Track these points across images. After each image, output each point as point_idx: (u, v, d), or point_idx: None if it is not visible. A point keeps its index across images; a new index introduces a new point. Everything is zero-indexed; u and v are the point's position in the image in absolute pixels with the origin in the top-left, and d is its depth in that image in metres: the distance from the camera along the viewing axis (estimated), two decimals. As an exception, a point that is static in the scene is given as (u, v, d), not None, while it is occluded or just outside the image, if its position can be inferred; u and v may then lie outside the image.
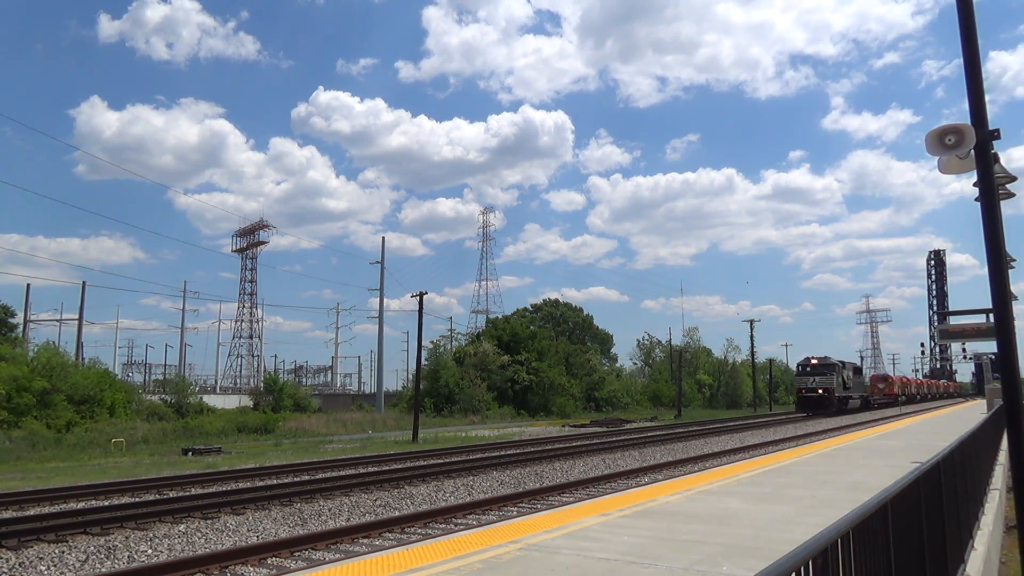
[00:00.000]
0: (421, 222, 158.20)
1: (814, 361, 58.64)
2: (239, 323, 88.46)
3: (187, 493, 16.46)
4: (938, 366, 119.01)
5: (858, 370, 68.87)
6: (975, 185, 7.32)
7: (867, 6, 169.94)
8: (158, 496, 16.00)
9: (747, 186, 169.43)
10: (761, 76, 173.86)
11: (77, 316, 59.07)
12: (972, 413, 32.40)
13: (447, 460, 22.82)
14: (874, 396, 73.97)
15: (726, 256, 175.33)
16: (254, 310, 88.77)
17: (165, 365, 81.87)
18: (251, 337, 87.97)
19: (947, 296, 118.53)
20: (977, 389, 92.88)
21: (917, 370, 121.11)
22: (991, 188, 6.97)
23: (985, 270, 7.06)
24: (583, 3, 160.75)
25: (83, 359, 54.44)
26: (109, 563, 10.11)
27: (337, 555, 10.18)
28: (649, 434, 35.00)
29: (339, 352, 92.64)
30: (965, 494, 7.23)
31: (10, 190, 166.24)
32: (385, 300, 59.77)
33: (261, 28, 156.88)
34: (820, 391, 56.10)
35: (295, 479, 18.76)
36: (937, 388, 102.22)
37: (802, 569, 2.31)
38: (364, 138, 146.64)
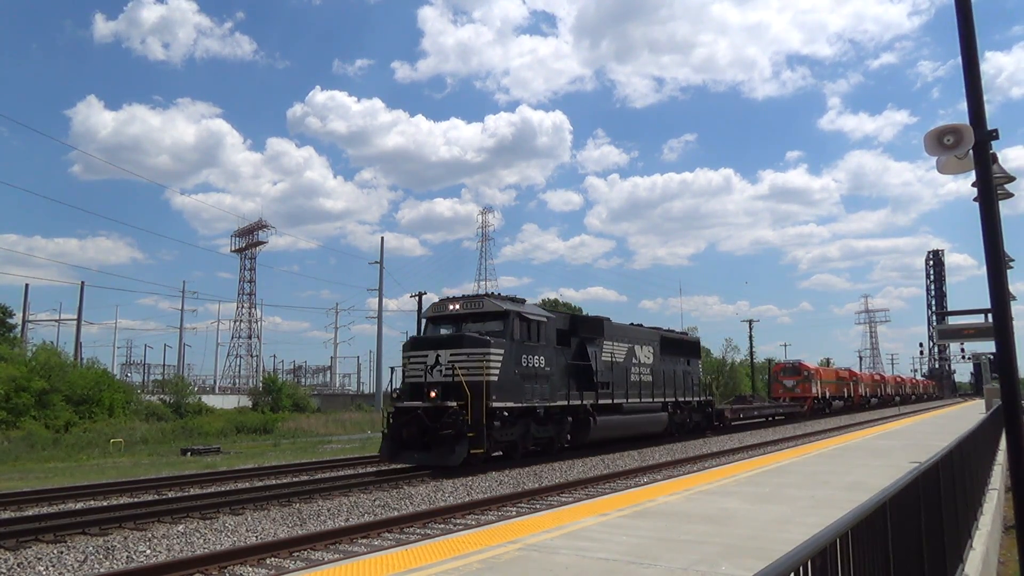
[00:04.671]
0: (419, 222, 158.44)
1: (452, 307, 21.09)
2: (238, 323, 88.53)
3: (186, 493, 16.44)
4: (936, 366, 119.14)
5: (681, 344, 31.83)
6: (973, 185, 7.33)
7: (863, 7, 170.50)
8: (157, 496, 15.97)
9: (744, 186, 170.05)
10: (758, 76, 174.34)
11: (75, 316, 59.08)
12: (971, 413, 32.43)
13: (446, 460, 22.76)
14: (767, 405, 42.79)
15: (724, 256, 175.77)
16: (253, 310, 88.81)
17: (164, 365, 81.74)
18: (250, 337, 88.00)
19: (946, 296, 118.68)
20: (976, 389, 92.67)
21: (916, 370, 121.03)
22: (989, 188, 6.97)
23: (983, 270, 7.07)
24: (578, 3, 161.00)
25: (82, 359, 54.41)
26: (108, 563, 10.09)
27: (336, 555, 10.17)
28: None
29: (338, 352, 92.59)
30: (964, 494, 7.23)
31: (7, 190, 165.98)
32: (384, 300, 59.77)
33: (257, 28, 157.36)
34: (431, 395, 18.91)
35: (294, 479, 18.74)
36: (915, 388, 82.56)
37: (801, 569, 2.30)
38: (361, 138, 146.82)
